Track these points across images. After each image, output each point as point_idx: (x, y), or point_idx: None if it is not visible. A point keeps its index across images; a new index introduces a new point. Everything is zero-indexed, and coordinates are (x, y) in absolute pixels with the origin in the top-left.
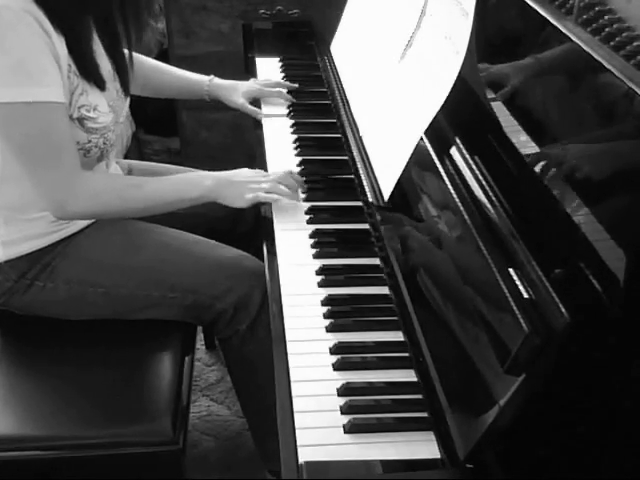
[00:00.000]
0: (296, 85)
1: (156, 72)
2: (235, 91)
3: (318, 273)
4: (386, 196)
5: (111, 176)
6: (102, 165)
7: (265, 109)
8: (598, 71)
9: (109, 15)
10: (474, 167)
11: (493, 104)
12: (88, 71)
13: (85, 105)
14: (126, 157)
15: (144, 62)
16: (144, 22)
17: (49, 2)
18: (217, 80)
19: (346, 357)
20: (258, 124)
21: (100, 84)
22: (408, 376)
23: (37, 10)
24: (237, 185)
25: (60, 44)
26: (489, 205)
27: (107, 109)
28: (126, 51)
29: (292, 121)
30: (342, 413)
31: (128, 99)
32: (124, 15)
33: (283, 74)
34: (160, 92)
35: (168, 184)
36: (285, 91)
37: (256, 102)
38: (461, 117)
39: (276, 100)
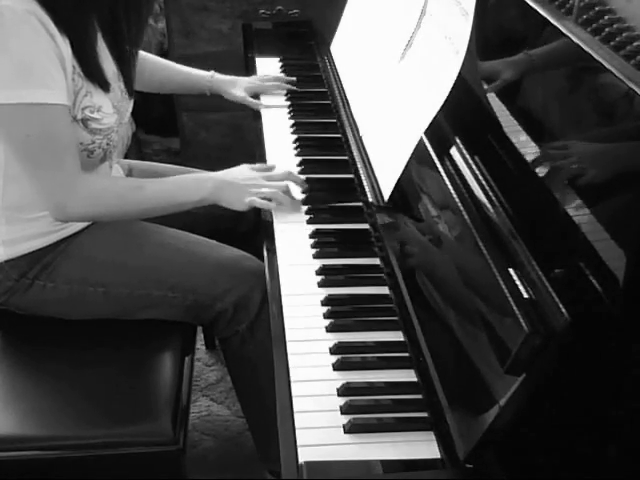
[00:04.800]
0: (294, 78)
1: (159, 68)
2: (236, 85)
3: (318, 273)
4: (386, 196)
5: (111, 179)
6: (105, 166)
7: (265, 102)
8: (598, 71)
9: (113, 16)
10: (474, 167)
11: (493, 104)
12: (92, 73)
13: (89, 106)
14: (126, 157)
15: (148, 58)
16: (145, 21)
17: (53, 4)
18: (218, 75)
19: (346, 357)
20: (258, 118)
21: (104, 86)
22: (408, 376)
23: (41, 12)
24: (237, 188)
25: (64, 46)
26: (489, 205)
27: (111, 110)
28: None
29: (292, 121)
30: (342, 413)
31: (132, 100)
32: (127, 15)
33: (283, 74)
34: (163, 87)
35: (168, 187)
36: (285, 85)
37: (256, 97)
38: (461, 117)
39: (275, 93)
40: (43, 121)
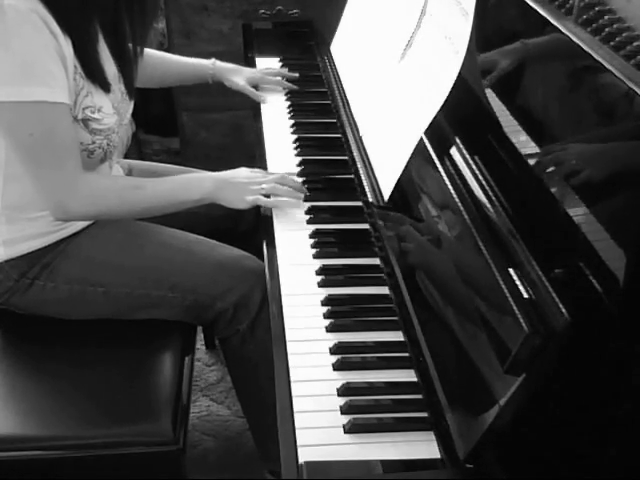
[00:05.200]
0: (296, 75)
1: (161, 61)
2: (237, 74)
3: (318, 273)
4: (386, 196)
5: (112, 178)
6: (105, 166)
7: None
8: (598, 71)
9: (115, 17)
10: (474, 167)
11: (493, 104)
12: (94, 73)
13: (90, 106)
14: (126, 157)
15: (149, 54)
16: (150, 24)
17: (56, 3)
18: (219, 62)
19: (346, 357)
20: (258, 117)
21: (105, 87)
22: (408, 376)
23: (44, 11)
24: (237, 186)
25: (66, 45)
26: (489, 205)
27: (112, 111)
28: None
29: (292, 121)
30: (342, 413)
31: (132, 101)
32: (130, 17)
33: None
34: (165, 80)
35: (168, 186)
36: (285, 81)
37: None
38: (461, 117)
39: (276, 90)
40: (45, 120)
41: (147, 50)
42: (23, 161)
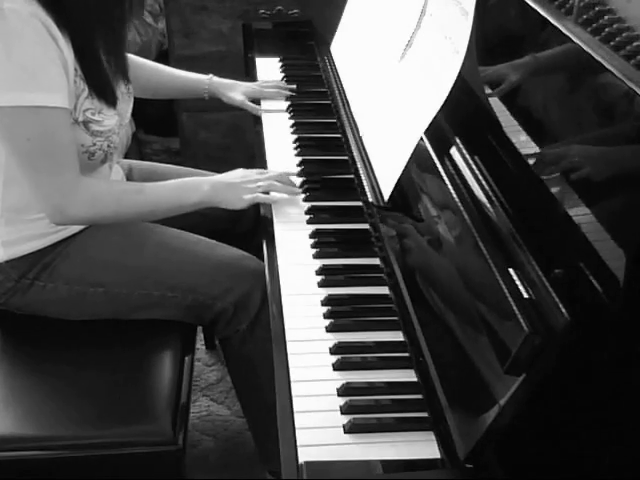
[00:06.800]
0: (294, 86)
1: (156, 73)
2: (235, 89)
3: (318, 273)
4: (386, 196)
5: (110, 182)
6: (105, 167)
7: (264, 106)
8: (598, 71)
9: (114, 18)
10: (474, 167)
11: (493, 104)
12: (95, 77)
13: (90, 108)
14: (126, 157)
15: (144, 64)
16: (129, 20)
17: (57, 7)
18: (216, 79)
19: (346, 357)
20: (258, 120)
21: (110, 96)
22: (408, 376)
23: (45, 15)
24: (234, 187)
25: (67, 49)
26: (489, 205)
27: (112, 112)
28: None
29: (292, 121)
30: (342, 413)
31: (132, 101)
32: (123, 16)
33: (283, 74)
34: (160, 93)
35: (166, 190)
36: (284, 92)
37: (256, 102)
38: (461, 117)
39: (275, 98)
40: (44, 124)
41: (141, 60)
42: (22, 165)
